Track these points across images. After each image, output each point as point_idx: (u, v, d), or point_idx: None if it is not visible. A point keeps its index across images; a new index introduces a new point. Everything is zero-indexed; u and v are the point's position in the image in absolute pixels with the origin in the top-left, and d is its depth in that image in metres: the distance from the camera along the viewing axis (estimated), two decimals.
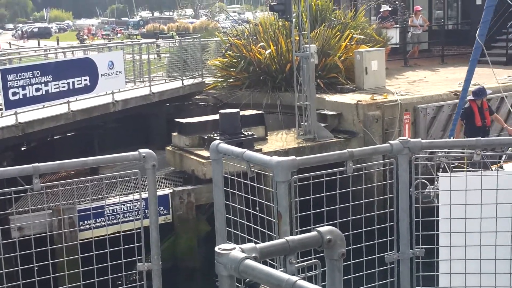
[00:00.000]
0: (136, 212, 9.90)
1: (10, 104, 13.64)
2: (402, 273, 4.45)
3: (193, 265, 13.77)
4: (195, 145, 14.73)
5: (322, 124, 15.76)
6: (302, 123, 15.57)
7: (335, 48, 18.94)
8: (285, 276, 2.51)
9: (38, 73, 14.19)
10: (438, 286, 4.62)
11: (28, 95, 13.91)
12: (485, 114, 13.31)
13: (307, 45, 15.42)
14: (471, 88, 13.30)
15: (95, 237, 5.07)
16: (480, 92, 13.29)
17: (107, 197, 9.29)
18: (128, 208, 11.82)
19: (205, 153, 13.86)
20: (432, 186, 9.51)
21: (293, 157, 4.38)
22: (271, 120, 17.24)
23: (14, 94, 13.63)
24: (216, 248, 2.74)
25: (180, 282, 13.19)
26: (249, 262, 2.64)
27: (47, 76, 14.42)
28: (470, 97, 13.19)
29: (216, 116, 15.04)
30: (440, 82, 18.83)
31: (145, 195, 4.88)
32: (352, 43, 19.56)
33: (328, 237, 2.96)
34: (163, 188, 13.80)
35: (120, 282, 5.03)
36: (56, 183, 4.66)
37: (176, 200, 13.67)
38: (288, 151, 14.21)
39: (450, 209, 4.47)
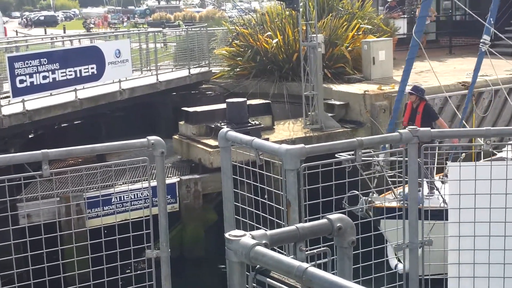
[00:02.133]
0: (144, 200, 9.92)
1: (17, 92, 13.66)
2: (411, 262, 4.45)
3: (200, 254, 13.82)
4: (202, 134, 14.75)
5: (329, 114, 15.74)
6: (309, 113, 15.55)
7: (342, 38, 18.89)
8: (296, 262, 2.50)
9: (45, 61, 14.19)
10: (446, 275, 4.61)
11: (35, 83, 13.92)
12: (416, 117, 12.10)
13: (314, 35, 15.37)
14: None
15: (99, 225, 5.07)
16: (415, 89, 12.36)
17: (115, 184, 9.31)
18: (136, 196, 11.85)
19: (212, 142, 13.88)
20: (366, 198, 9.05)
21: (302, 145, 4.38)
22: (278, 109, 17.22)
23: (21, 81, 13.64)
24: (226, 235, 2.74)
25: (187, 271, 13.23)
26: (260, 248, 2.64)
27: (54, 64, 14.42)
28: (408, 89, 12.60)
29: (223, 105, 15.04)
30: (447, 72, 18.76)
31: (153, 183, 4.88)
32: (359, 33, 19.50)
33: (338, 225, 2.96)
34: (170, 176, 13.82)
35: (129, 270, 5.04)
36: (65, 169, 4.66)
37: (183, 189, 13.70)
38: (295, 140, 14.21)
39: (459, 199, 4.46)
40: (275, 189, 4.86)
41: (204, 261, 13.79)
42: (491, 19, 13.51)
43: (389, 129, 12.91)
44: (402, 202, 9.10)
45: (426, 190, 10.16)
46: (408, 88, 12.69)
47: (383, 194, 9.80)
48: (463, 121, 14.22)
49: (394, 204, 8.72)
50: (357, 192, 7.83)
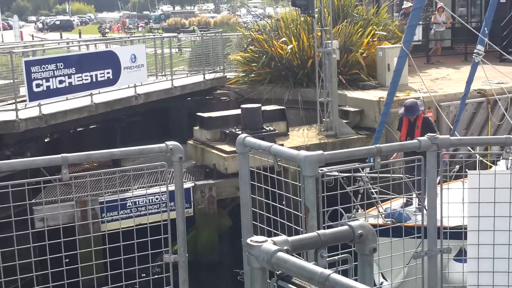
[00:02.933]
0: (159, 204, 9.94)
1: (34, 96, 13.76)
2: (430, 270, 4.43)
3: (214, 259, 13.81)
4: (216, 139, 14.76)
5: (344, 121, 15.71)
6: (324, 119, 15.53)
7: (357, 44, 18.86)
8: (319, 269, 2.50)
9: (61, 65, 14.29)
10: (466, 284, 4.59)
11: (51, 87, 14.02)
12: (414, 131, 11.10)
13: (329, 41, 15.36)
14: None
15: (117, 229, 5.09)
16: (406, 109, 11.15)
17: (129, 189, 9.34)
18: (151, 201, 11.88)
19: (227, 148, 13.90)
20: (349, 215, 8.59)
21: (321, 151, 4.37)
22: (292, 115, 17.21)
23: (38, 86, 13.74)
24: (248, 240, 2.74)
25: (201, 276, 13.25)
26: (282, 254, 2.64)
27: (71, 69, 14.52)
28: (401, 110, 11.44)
29: (238, 111, 15.05)
30: (463, 80, 18.56)
31: (170, 187, 4.88)
32: (374, 39, 19.47)
33: (359, 232, 2.95)
34: (184, 181, 13.81)
35: (144, 275, 5.05)
36: (84, 174, 4.68)
37: (198, 194, 13.72)
38: (309, 147, 14.19)
39: (479, 207, 4.43)
40: (293, 195, 4.85)
41: (219, 266, 13.78)
42: (485, 28, 13.10)
43: (374, 143, 12.45)
44: (386, 218, 8.90)
45: (414, 205, 9.78)
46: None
47: (368, 210, 9.37)
48: (455, 132, 13.74)
49: (375, 221, 8.26)
50: (339, 207, 7.38)
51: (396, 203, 9.73)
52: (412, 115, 11.11)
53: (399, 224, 8.52)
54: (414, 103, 11.31)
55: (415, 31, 11.79)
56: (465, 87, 13.65)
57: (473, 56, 13.03)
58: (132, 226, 5.04)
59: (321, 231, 2.92)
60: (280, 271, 2.74)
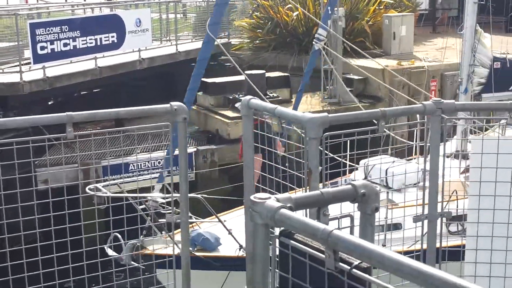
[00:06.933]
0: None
1: (38, 58, 13.73)
2: (429, 235, 4.46)
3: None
4: (220, 105, 14.77)
5: (348, 89, 15.67)
6: (328, 87, 15.50)
7: (363, 12, 18.75)
8: (321, 225, 2.52)
9: (66, 28, 14.24)
10: (464, 248, 4.63)
11: (56, 50, 13.99)
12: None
13: (335, 8, 15.25)
14: None
15: (124, 189, 5.12)
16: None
17: (133, 149, 9.36)
18: (153, 165, 11.91)
19: (230, 113, 13.91)
20: (132, 242, 7.43)
21: (325, 114, 4.37)
22: (296, 83, 17.16)
23: (42, 48, 13.71)
24: (251, 197, 2.76)
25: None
26: (285, 211, 2.66)
27: (75, 32, 14.47)
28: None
29: (242, 77, 15.00)
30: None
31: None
32: (380, 7, 19.35)
33: (362, 191, 2.96)
34: (187, 146, 13.87)
35: (148, 234, 5.10)
36: (89, 133, 4.70)
37: (200, 159, 13.76)
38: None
39: (481, 172, 4.45)
40: (296, 157, 4.87)
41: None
42: (329, 8, 12.25)
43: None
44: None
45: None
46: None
47: (165, 236, 7.38)
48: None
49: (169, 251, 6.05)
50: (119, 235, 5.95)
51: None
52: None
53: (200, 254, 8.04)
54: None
55: (224, 11, 10.22)
56: (303, 76, 12.39)
57: (313, 42, 12.07)
58: (136, 187, 5.09)
59: (324, 190, 2.94)
60: (282, 228, 2.77)
